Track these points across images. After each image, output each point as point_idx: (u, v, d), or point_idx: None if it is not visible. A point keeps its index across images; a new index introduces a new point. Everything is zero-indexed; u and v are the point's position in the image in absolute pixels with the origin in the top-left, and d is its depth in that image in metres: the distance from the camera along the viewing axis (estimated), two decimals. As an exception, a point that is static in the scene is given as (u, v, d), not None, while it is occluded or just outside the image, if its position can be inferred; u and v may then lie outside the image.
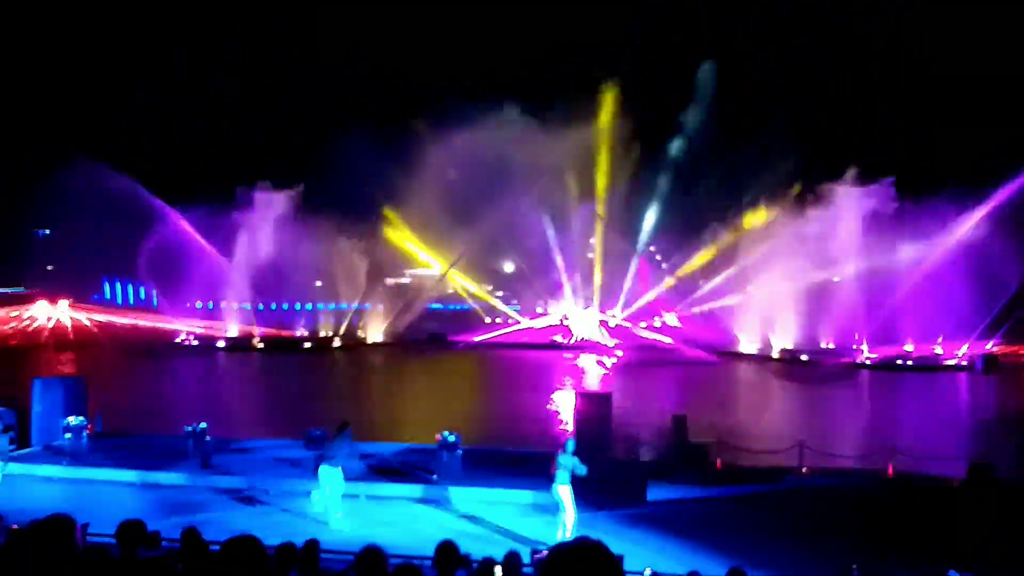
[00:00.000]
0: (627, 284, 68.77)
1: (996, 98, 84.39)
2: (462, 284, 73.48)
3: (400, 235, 69.71)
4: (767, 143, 59.62)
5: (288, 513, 14.32)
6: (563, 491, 12.40)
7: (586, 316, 67.36)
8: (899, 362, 49.57)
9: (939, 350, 52.12)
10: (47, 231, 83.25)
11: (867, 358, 50.63)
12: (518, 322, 71.15)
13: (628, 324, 67.13)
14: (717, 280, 65.04)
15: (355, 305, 71.17)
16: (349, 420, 14.87)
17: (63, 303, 76.80)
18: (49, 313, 76.57)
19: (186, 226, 65.82)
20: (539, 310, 72.75)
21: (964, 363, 48.54)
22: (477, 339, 63.50)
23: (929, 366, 48.20)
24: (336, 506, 13.49)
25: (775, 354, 55.63)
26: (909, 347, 53.21)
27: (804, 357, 53.01)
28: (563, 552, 2.52)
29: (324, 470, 13.50)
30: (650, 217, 68.06)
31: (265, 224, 66.79)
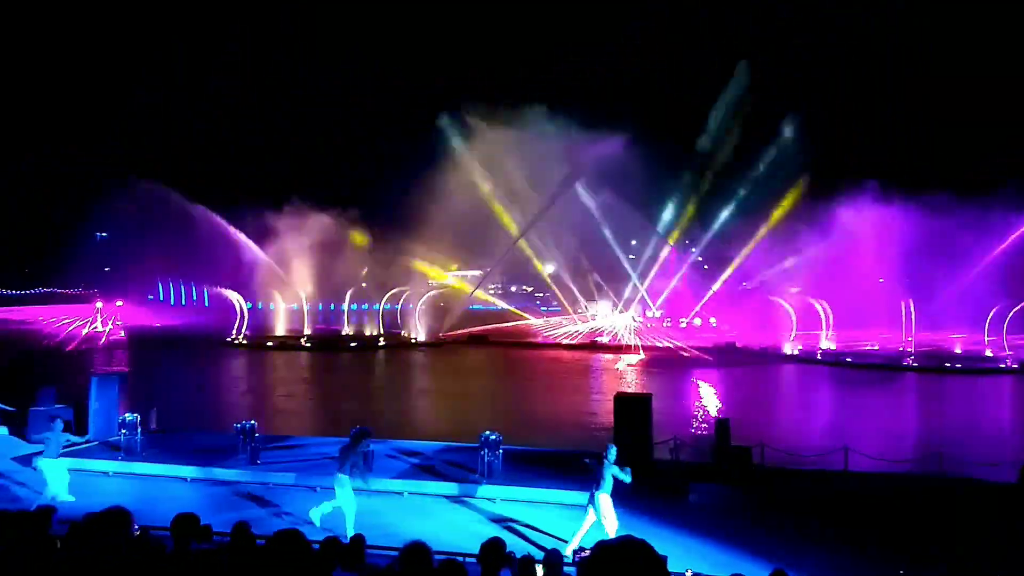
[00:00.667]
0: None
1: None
2: (489, 296, 74.28)
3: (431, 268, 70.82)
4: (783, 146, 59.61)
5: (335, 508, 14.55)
6: (604, 500, 12.29)
7: (622, 316, 67.33)
8: (946, 364, 48.40)
9: (988, 352, 50.91)
10: (104, 234, 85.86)
11: (914, 361, 49.55)
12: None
13: (645, 324, 66.89)
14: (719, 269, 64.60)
15: (398, 306, 72.16)
16: (365, 430, 14.58)
17: (118, 303, 79.09)
18: (105, 313, 78.89)
19: (238, 233, 67.56)
20: (580, 311, 72.84)
21: (1015, 365, 47.20)
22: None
23: (976, 369, 46.93)
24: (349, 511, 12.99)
25: (818, 356, 54.78)
26: (957, 348, 52.14)
27: (848, 359, 52.05)
28: (607, 550, 2.46)
29: (343, 481, 13.03)
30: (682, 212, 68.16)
31: (311, 236, 68.35)
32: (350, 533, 11.66)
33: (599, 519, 12.10)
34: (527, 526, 13.72)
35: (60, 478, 14.55)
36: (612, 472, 12.26)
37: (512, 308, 75.57)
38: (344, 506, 12.96)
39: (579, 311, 72.52)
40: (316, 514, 12.98)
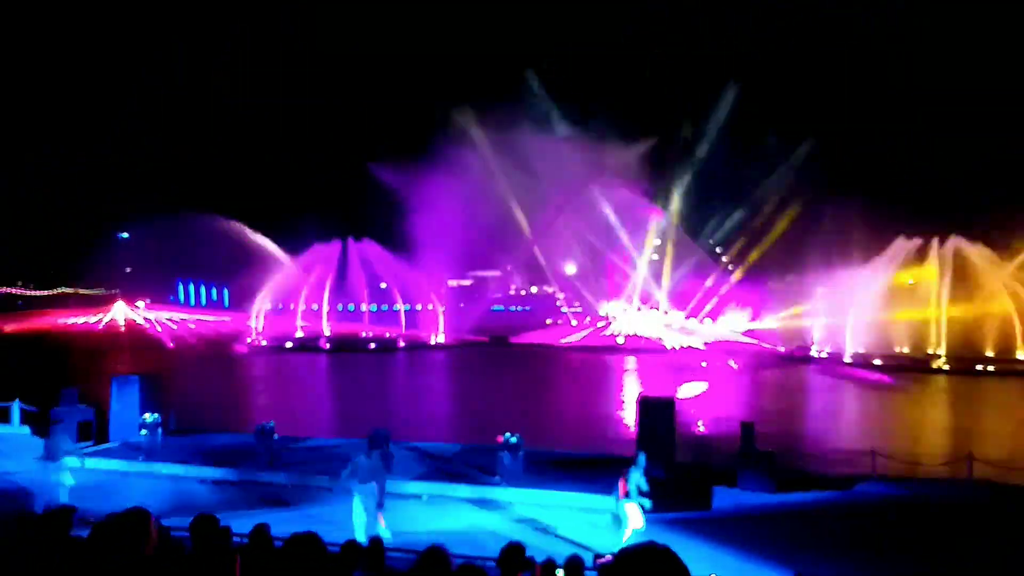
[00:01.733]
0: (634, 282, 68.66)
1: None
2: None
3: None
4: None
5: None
6: (632, 508, 12.11)
7: (638, 316, 67.43)
8: (977, 366, 47.68)
9: (1020, 354, 50.17)
10: (126, 234, 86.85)
11: (944, 363, 48.87)
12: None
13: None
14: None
15: (418, 307, 72.22)
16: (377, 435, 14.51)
17: (140, 304, 79.92)
18: (126, 313, 79.72)
19: (258, 235, 68.04)
20: (601, 311, 72.77)
21: None
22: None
23: (1008, 370, 46.21)
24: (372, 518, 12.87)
25: (847, 358, 54.15)
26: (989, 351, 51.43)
27: (877, 361, 51.44)
28: (629, 556, 2.42)
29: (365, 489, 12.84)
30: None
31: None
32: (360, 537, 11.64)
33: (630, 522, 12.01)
34: (547, 530, 13.59)
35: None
36: (636, 480, 12.13)
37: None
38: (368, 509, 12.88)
39: (600, 312, 72.37)
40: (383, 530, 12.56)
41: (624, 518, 12.14)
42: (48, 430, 15.06)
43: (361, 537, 12.06)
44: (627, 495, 12.10)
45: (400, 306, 71.89)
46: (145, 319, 77.85)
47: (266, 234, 69.61)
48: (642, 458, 12.48)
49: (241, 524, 8.32)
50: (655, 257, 70.14)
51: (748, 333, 63.23)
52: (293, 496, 15.51)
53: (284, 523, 12.61)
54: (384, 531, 12.42)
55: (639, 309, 68.58)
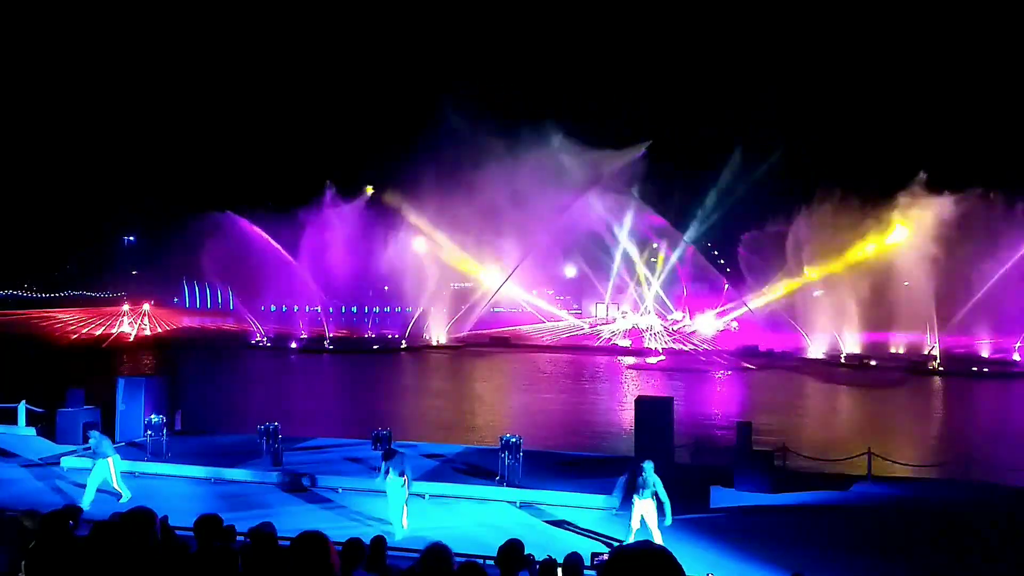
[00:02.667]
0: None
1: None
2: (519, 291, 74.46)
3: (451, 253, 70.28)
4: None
5: (357, 510, 14.68)
6: (643, 507, 12.19)
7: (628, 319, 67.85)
8: (973, 368, 47.69)
9: (1016, 356, 50.17)
10: (132, 238, 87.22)
11: (939, 364, 48.88)
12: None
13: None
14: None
15: (420, 309, 72.21)
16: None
17: (146, 306, 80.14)
18: (132, 315, 80.00)
19: (261, 233, 67.99)
20: (599, 313, 73.11)
21: None
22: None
23: (1004, 373, 46.19)
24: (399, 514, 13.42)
25: (843, 359, 54.20)
26: (985, 352, 51.46)
27: (873, 362, 51.52)
28: (626, 555, 2.41)
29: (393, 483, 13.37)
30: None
31: (336, 230, 68.39)
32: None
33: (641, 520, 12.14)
34: (549, 523, 13.76)
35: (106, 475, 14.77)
36: (652, 483, 12.17)
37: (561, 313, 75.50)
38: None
39: (599, 314, 72.62)
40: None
41: (630, 522, 12.26)
42: (85, 433, 15.36)
43: (400, 534, 12.60)
44: (635, 494, 12.19)
45: (412, 309, 71.83)
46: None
47: (272, 235, 69.67)
48: (649, 466, 12.44)
49: (245, 524, 8.49)
50: (653, 260, 70.37)
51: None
52: (298, 495, 15.67)
53: (288, 521, 12.86)
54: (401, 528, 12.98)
55: (636, 311, 68.90)
